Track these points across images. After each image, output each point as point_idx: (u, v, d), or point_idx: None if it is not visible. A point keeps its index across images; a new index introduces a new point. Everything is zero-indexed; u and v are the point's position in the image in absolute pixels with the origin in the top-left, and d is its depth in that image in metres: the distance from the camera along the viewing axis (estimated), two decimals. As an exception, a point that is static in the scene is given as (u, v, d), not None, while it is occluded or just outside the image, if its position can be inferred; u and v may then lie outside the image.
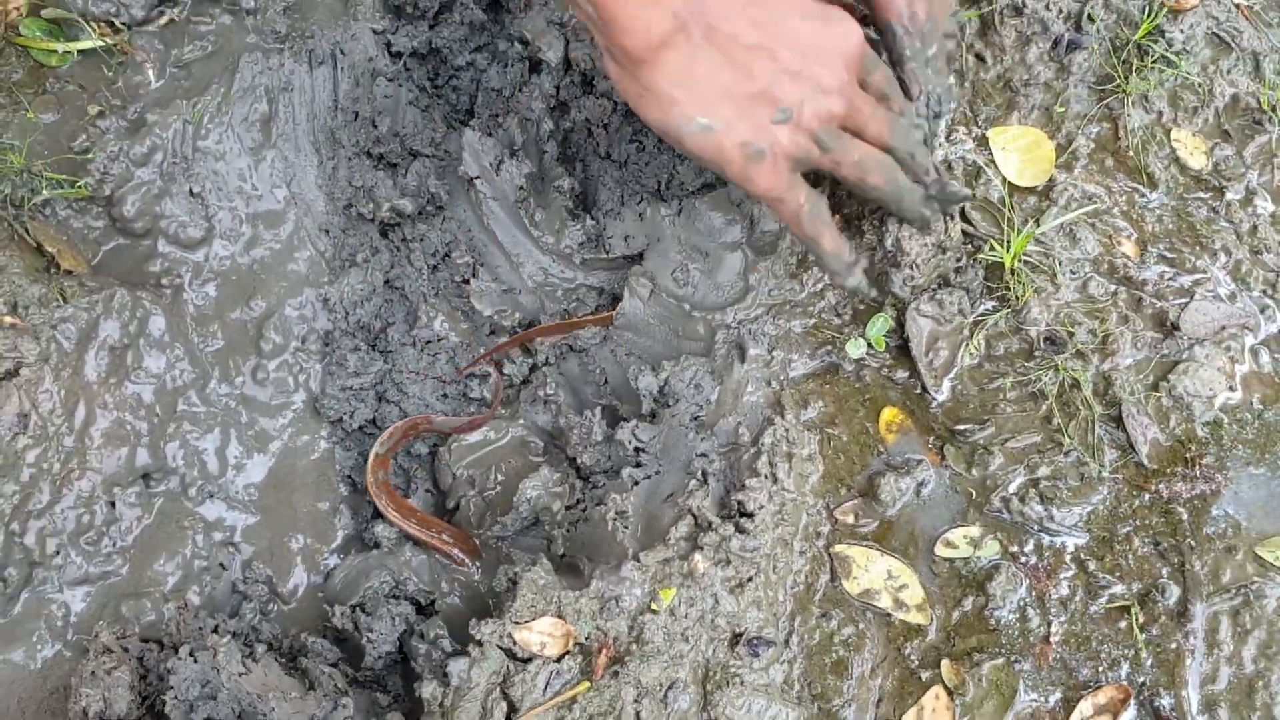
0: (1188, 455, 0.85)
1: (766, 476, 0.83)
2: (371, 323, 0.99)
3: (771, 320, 0.92)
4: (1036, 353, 0.88)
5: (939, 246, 0.89)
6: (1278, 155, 0.95)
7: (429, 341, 0.99)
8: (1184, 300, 0.89)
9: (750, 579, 0.81)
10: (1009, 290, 0.89)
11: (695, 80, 0.69)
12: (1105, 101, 0.96)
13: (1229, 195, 0.94)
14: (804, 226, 0.77)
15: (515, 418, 0.97)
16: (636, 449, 0.88)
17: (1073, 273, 0.91)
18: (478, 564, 0.92)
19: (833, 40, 0.72)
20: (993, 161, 0.94)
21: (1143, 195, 0.94)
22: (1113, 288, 0.91)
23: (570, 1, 0.68)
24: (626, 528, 0.85)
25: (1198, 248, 0.92)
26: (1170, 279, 0.91)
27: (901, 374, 0.90)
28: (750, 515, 0.82)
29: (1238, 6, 0.99)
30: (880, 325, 0.89)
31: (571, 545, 0.89)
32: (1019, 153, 0.95)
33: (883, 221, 0.89)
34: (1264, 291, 0.90)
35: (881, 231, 0.89)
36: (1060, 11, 0.97)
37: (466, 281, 1.00)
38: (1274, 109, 0.96)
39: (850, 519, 0.85)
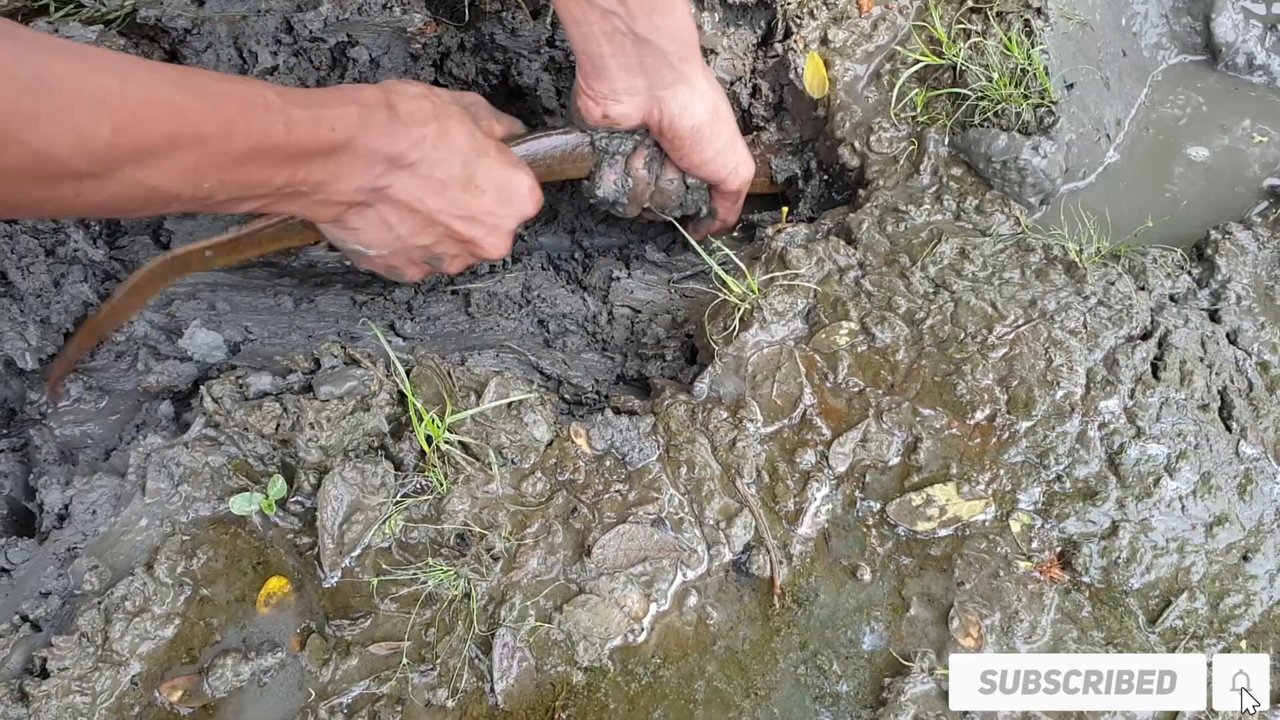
0: (553, 704, 0.74)
1: (86, 635, 0.75)
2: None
3: (188, 449, 0.83)
4: (444, 549, 0.78)
5: (361, 403, 0.79)
6: (781, 367, 0.82)
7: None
8: (614, 519, 0.78)
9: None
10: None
11: (373, 226, 0.80)
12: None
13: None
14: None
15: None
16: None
17: (513, 462, 0.80)
18: None
19: (506, 217, 0.84)
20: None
21: (623, 387, 0.83)
22: (550, 488, 0.79)
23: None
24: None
25: (667, 454, 0.80)
26: (619, 487, 0.79)
27: (307, 541, 0.80)
28: (46, 675, 0.74)
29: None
30: (278, 488, 0.80)
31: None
32: None
33: None
34: (718, 523, 0.78)
35: None
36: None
37: None
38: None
39: (176, 696, 0.76)
